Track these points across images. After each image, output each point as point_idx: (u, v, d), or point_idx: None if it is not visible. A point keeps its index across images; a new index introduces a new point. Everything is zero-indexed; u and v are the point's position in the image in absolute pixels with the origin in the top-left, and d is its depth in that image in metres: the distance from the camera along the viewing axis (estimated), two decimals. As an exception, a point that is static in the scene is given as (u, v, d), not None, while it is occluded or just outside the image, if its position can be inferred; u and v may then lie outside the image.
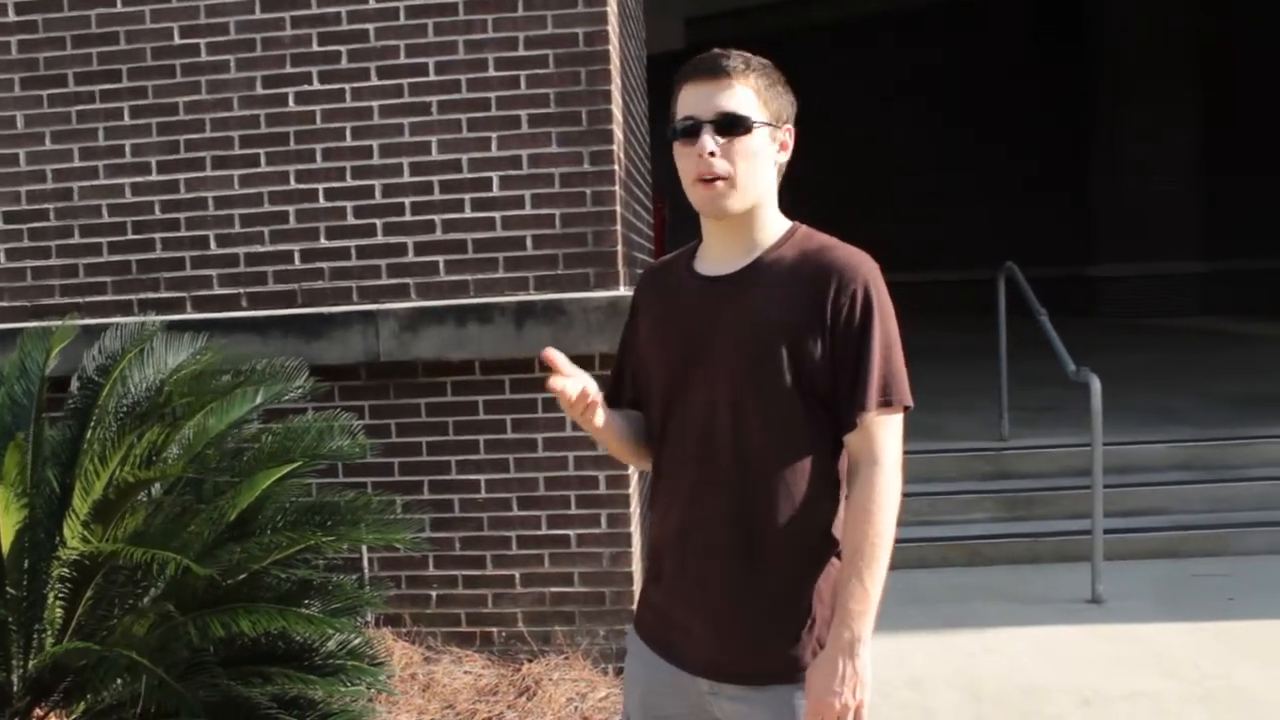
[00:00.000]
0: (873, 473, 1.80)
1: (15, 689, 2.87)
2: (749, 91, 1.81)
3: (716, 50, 1.86)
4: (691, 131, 1.81)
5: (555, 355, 1.77)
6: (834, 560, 1.87)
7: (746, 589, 1.84)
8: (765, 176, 1.86)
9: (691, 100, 1.82)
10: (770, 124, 1.84)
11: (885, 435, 1.81)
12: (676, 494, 1.90)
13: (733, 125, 1.80)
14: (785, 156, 1.90)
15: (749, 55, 1.85)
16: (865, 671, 1.77)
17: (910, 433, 1.86)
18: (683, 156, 1.84)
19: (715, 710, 1.90)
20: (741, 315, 1.84)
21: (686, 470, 1.88)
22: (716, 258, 1.91)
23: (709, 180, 1.81)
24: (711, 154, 1.79)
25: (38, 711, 2.88)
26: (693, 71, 1.84)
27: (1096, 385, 5.09)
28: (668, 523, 1.93)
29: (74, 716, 2.89)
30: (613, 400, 2.06)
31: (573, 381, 1.79)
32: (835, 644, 1.77)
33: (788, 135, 1.89)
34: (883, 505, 1.79)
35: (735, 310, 1.85)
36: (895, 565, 6.18)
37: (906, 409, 1.84)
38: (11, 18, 4.38)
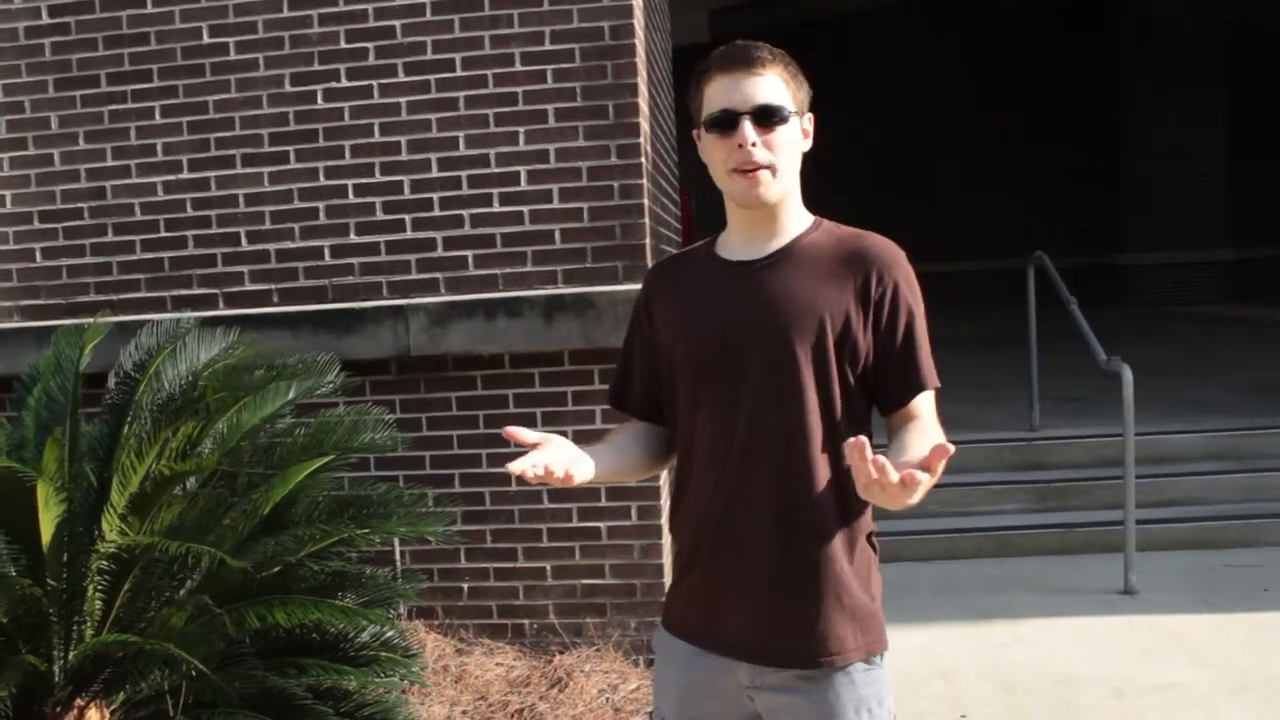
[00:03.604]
0: (930, 425, 1.85)
1: (57, 679, 2.91)
2: (780, 81, 1.83)
3: (743, 41, 1.86)
4: (728, 123, 1.81)
5: (516, 430, 1.72)
6: (864, 544, 1.88)
7: (788, 568, 1.84)
8: (798, 165, 1.88)
9: (723, 91, 1.82)
10: (798, 113, 1.86)
11: (933, 408, 1.89)
12: (714, 478, 1.88)
13: (770, 115, 1.81)
14: (808, 145, 1.92)
15: (770, 45, 1.87)
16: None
17: (940, 423, 1.88)
18: (717, 148, 1.83)
19: (756, 704, 1.89)
20: (780, 295, 1.85)
21: (725, 452, 1.86)
22: (743, 244, 1.92)
23: (748, 171, 1.82)
24: (753, 144, 1.80)
25: (79, 701, 2.92)
26: (723, 62, 1.84)
27: (1128, 375, 5.04)
28: (706, 508, 1.90)
29: (114, 707, 2.93)
30: (618, 399, 2.08)
31: (534, 460, 1.69)
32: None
33: (809, 124, 1.91)
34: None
35: (773, 291, 1.85)
36: (926, 556, 6.11)
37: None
38: (45, 20, 4.43)
